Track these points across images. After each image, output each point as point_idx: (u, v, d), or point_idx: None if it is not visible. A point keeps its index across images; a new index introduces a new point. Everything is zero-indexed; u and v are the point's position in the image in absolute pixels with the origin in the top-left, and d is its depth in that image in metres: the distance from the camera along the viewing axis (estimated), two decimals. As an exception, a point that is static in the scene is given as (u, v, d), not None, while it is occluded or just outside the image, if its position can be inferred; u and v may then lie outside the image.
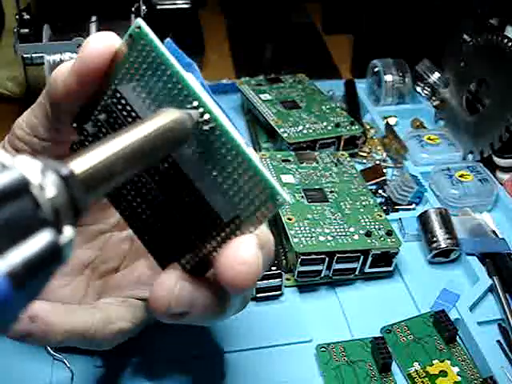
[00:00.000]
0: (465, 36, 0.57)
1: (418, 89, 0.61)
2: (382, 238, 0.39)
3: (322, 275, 0.39)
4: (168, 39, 0.43)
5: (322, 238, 0.39)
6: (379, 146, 0.54)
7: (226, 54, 0.73)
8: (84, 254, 0.32)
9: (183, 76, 0.22)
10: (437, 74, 0.60)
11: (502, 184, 0.49)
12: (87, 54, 0.23)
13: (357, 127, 0.52)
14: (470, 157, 0.51)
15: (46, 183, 0.14)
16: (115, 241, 0.33)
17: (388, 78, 0.59)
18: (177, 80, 0.22)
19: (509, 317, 0.37)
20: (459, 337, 0.36)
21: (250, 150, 0.22)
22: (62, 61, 0.50)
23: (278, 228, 0.41)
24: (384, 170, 0.50)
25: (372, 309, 0.39)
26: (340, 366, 0.34)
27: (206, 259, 0.24)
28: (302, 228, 0.39)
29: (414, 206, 0.47)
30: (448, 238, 0.42)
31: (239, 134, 0.22)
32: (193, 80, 0.22)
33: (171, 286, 0.23)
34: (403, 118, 0.59)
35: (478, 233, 0.43)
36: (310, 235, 0.39)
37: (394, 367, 0.34)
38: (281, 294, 0.39)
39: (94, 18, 0.52)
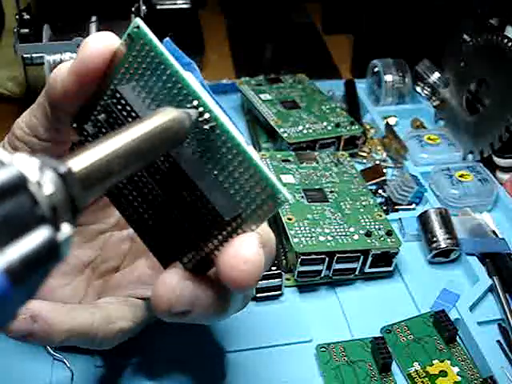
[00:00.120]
0: (465, 36, 0.57)
1: (418, 89, 0.61)
2: (382, 238, 0.39)
3: (322, 275, 0.39)
4: (167, 39, 0.43)
5: (321, 238, 0.39)
6: (379, 145, 0.54)
7: (226, 53, 0.73)
8: (84, 253, 0.32)
9: (182, 75, 0.22)
10: (437, 74, 0.60)
11: (501, 184, 0.49)
12: (86, 54, 0.23)
13: (357, 127, 0.52)
14: (470, 157, 0.51)
15: (43, 180, 0.14)
16: (115, 240, 0.33)
17: (388, 77, 0.59)
18: (176, 79, 0.22)
19: (509, 317, 0.37)
20: (459, 337, 0.36)
21: (250, 149, 0.22)
22: (62, 61, 0.50)
23: (278, 228, 0.41)
24: (384, 170, 0.50)
25: (372, 309, 0.38)
26: (340, 366, 0.34)
27: (207, 258, 0.24)
28: (302, 228, 0.39)
29: (413, 205, 0.47)
30: (448, 238, 0.41)
31: (239, 133, 0.22)
32: (192, 79, 0.22)
33: (173, 284, 0.23)
34: (403, 118, 0.59)
35: (478, 233, 0.43)
36: (309, 235, 0.39)
37: (394, 367, 0.34)
38: (281, 294, 0.39)
39: (94, 18, 0.52)
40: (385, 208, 0.46)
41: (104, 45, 0.23)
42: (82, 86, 0.24)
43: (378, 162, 0.51)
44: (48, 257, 0.13)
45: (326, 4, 0.79)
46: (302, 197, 0.42)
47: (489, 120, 0.50)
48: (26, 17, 0.52)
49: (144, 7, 0.55)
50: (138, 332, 0.31)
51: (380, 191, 0.48)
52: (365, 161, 0.52)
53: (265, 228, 0.24)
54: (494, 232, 0.44)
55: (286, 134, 0.50)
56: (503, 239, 0.43)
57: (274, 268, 0.37)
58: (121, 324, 0.29)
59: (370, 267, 0.39)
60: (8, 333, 0.25)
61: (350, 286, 0.40)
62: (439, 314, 0.36)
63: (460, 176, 0.48)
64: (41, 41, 0.51)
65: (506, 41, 0.48)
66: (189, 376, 0.34)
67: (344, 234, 0.39)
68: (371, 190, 0.46)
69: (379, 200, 0.47)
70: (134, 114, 0.23)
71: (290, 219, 0.40)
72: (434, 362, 0.34)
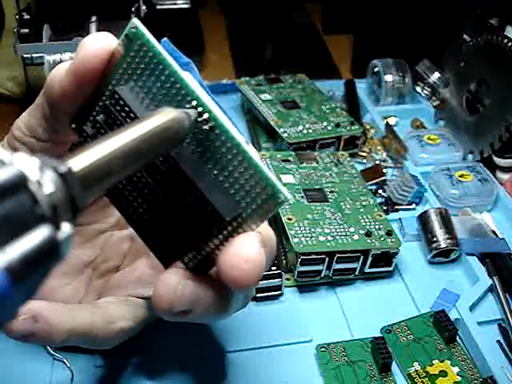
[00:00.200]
0: (465, 36, 0.57)
1: (418, 89, 0.61)
2: (382, 238, 0.39)
3: (322, 275, 0.39)
4: (165, 38, 0.43)
5: (321, 238, 0.39)
6: (379, 145, 0.54)
7: (226, 53, 0.73)
8: (84, 253, 0.32)
9: (181, 75, 0.22)
10: (437, 74, 0.60)
11: (501, 184, 0.49)
12: (83, 55, 0.23)
13: (357, 127, 0.52)
14: (470, 157, 0.51)
15: (44, 180, 0.14)
16: (115, 240, 0.33)
17: (388, 77, 0.59)
18: (175, 80, 0.22)
19: (509, 317, 0.37)
20: (459, 337, 0.36)
21: (250, 148, 0.22)
22: (61, 61, 0.50)
23: (278, 228, 0.41)
24: (384, 170, 0.50)
25: (372, 309, 0.38)
26: (340, 366, 0.34)
27: (208, 257, 0.24)
28: (302, 228, 0.39)
29: (414, 205, 0.47)
30: (448, 238, 0.41)
31: (239, 133, 0.22)
32: (191, 79, 0.22)
33: (174, 284, 0.23)
34: (403, 118, 0.59)
35: (477, 233, 0.43)
36: (309, 235, 0.39)
37: (394, 367, 0.34)
38: (281, 294, 0.39)
39: (93, 18, 0.52)
40: (385, 208, 0.46)
41: (101, 45, 0.23)
42: (79, 86, 0.24)
43: (378, 162, 0.51)
44: (48, 256, 0.13)
45: (325, 4, 0.79)
46: (302, 197, 0.42)
47: (489, 120, 0.50)
48: (26, 17, 0.52)
49: (144, 7, 0.55)
50: (138, 331, 0.31)
51: (380, 191, 0.48)
52: (365, 161, 0.52)
53: (265, 227, 0.24)
54: (494, 232, 0.44)
55: (286, 134, 0.50)
56: (503, 239, 0.43)
57: (274, 268, 0.37)
58: (121, 324, 0.29)
59: (369, 267, 0.39)
60: (9, 333, 0.25)
61: (350, 285, 0.40)
62: (439, 314, 0.36)
63: (460, 176, 0.48)
64: (41, 41, 0.51)
65: (506, 41, 0.48)
66: (189, 376, 0.34)
67: (344, 234, 0.39)
68: (371, 189, 0.46)
69: (379, 200, 0.47)
70: (132, 115, 0.23)
71: (290, 219, 0.40)
72: (434, 361, 0.34)
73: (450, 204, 0.46)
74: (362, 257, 0.39)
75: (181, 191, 0.23)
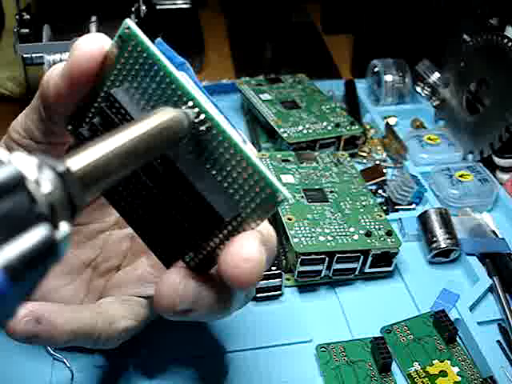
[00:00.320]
0: (465, 36, 0.57)
1: (418, 89, 0.61)
2: (382, 238, 0.39)
3: (322, 275, 0.39)
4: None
5: (321, 238, 0.39)
6: (379, 146, 0.54)
7: (226, 53, 0.74)
8: (84, 253, 0.32)
9: (176, 76, 0.22)
10: (437, 74, 0.60)
11: (501, 184, 0.49)
12: (77, 56, 0.23)
13: (357, 127, 0.52)
14: (470, 157, 0.51)
15: (42, 179, 0.14)
16: (115, 239, 0.33)
17: (388, 78, 0.59)
18: (170, 80, 0.22)
19: (509, 317, 0.37)
20: (459, 337, 0.36)
21: (248, 148, 0.22)
22: (61, 61, 0.50)
23: (277, 228, 0.41)
24: (384, 170, 0.50)
25: (372, 309, 0.38)
26: (340, 366, 0.34)
27: (209, 256, 0.24)
28: (302, 228, 0.39)
29: (414, 205, 0.47)
30: (448, 238, 0.41)
31: (236, 132, 0.22)
32: (186, 79, 0.22)
33: (176, 283, 0.23)
34: (403, 118, 0.59)
35: (477, 233, 0.43)
36: (309, 235, 0.39)
37: (394, 367, 0.34)
38: (281, 294, 0.39)
39: (93, 18, 0.52)
40: (385, 208, 0.46)
41: (95, 46, 0.23)
42: (74, 87, 0.24)
43: (378, 162, 0.51)
44: (46, 255, 0.13)
45: (325, 4, 0.79)
46: (302, 197, 0.42)
47: (489, 120, 0.50)
48: (26, 17, 0.52)
49: (144, 7, 0.55)
50: (140, 331, 0.31)
51: (380, 191, 0.48)
52: (365, 161, 0.52)
53: (266, 226, 0.24)
54: (493, 232, 0.44)
55: (285, 134, 0.50)
56: (503, 239, 0.43)
57: (274, 268, 0.37)
58: (123, 323, 0.29)
59: (369, 267, 0.39)
60: (12, 335, 0.25)
61: (350, 285, 0.40)
62: (439, 314, 0.36)
63: (460, 176, 0.48)
64: (41, 41, 0.51)
65: (505, 41, 0.48)
66: (189, 376, 0.34)
67: (344, 234, 0.39)
68: (371, 190, 0.46)
69: (379, 200, 0.47)
70: (128, 117, 0.23)
71: (289, 219, 0.40)
72: (434, 361, 0.34)
73: (450, 204, 0.46)
74: (361, 257, 0.39)
75: (179, 192, 0.23)
